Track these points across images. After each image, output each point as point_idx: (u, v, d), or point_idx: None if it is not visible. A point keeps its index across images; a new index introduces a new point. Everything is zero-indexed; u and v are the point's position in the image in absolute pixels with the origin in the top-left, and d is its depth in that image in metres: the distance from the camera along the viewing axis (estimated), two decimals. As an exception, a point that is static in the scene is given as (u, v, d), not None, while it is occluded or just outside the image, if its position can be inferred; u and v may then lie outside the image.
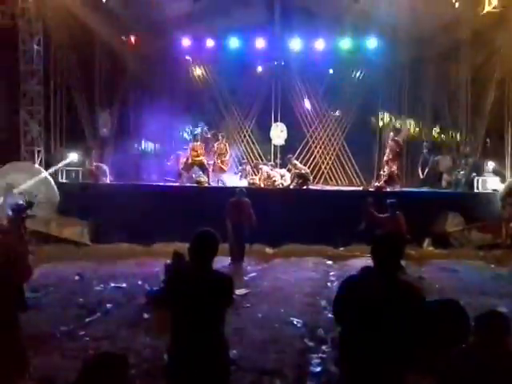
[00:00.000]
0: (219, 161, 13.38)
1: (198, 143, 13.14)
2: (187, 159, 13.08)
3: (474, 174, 12.19)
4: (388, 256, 2.78)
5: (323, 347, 5.10)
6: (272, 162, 14.34)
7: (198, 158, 12.88)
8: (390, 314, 2.67)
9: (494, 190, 11.45)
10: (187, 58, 15.25)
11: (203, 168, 12.99)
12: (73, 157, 12.40)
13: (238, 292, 6.61)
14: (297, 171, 12.69)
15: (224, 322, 3.03)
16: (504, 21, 11.17)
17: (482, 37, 11.74)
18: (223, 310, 3.04)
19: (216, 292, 2.97)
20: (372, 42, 14.09)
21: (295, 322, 5.80)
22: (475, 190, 11.96)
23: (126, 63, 14.46)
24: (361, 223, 8.36)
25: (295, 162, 13.20)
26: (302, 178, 12.49)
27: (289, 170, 13.26)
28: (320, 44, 14.28)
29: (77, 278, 8.03)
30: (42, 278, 7.41)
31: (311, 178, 13.36)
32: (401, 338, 2.66)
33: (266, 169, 13.20)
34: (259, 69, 15.39)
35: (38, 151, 11.77)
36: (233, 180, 13.55)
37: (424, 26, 12.42)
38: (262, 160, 14.98)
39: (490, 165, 12.14)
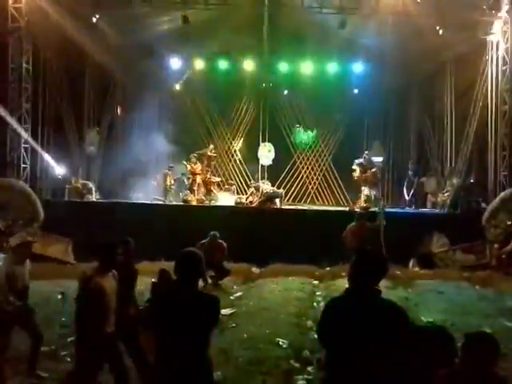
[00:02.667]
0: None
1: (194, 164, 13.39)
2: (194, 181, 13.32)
3: (461, 195, 12.35)
4: (363, 278, 2.79)
5: (309, 368, 5.06)
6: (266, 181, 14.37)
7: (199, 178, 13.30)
8: (374, 337, 2.67)
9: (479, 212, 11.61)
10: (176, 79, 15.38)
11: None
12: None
13: (223, 312, 6.56)
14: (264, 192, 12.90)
15: (209, 342, 3.01)
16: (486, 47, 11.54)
17: (465, 61, 12.06)
18: (209, 330, 3.02)
19: (202, 312, 2.95)
20: (358, 67, 14.39)
21: (281, 343, 5.76)
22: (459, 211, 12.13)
23: (115, 82, 14.54)
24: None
25: (262, 185, 13.35)
26: (268, 198, 12.72)
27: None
28: (307, 67, 14.54)
29: (59, 296, 7.89)
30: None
31: (281, 195, 13.45)
32: (386, 359, 2.65)
33: (265, 187, 13.35)
34: (248, 90, 15.56)
35: (24, 168, 11.69)
36: (224, 198, 13.55)
37: (409, 51, 12.74)
38: (250, 180, 15.05)
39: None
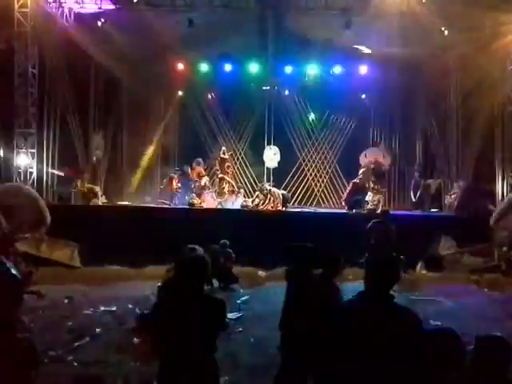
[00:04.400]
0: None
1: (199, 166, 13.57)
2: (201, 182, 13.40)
3: (468, 197, 12.24)
4: (382, 282, 2.75)
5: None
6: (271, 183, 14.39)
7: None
8: (387, 341, 2.63)
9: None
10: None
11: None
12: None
13: (230, 315, 6.53)
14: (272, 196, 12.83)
15: (215, 346, 2.98)
16: (492, 47, 11.45)
17: (471, 63, 11.97)
18: (215, 334, 3.00)
19: (208, 316, 2.93)
20: (363, 68, 14.32)
21: (288, 347, 5.71)
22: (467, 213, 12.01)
23: (121, 86, 14.58)
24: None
25: (269, 187, 13.27)
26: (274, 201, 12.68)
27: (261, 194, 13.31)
28: (313, 69, 14.50)
29: (66, 301, 7.90)
30: (31, 301, 7.27)
31: (289, 197, 13.38)
32: (399, 364, 2.61)
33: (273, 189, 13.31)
34: (253, 92, 15.53)
35: (31, 173, 11.72)
36: (231, 201, 13.52)
37: (414, 52, 12.67)
38: (255, 183, 15.03)
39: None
